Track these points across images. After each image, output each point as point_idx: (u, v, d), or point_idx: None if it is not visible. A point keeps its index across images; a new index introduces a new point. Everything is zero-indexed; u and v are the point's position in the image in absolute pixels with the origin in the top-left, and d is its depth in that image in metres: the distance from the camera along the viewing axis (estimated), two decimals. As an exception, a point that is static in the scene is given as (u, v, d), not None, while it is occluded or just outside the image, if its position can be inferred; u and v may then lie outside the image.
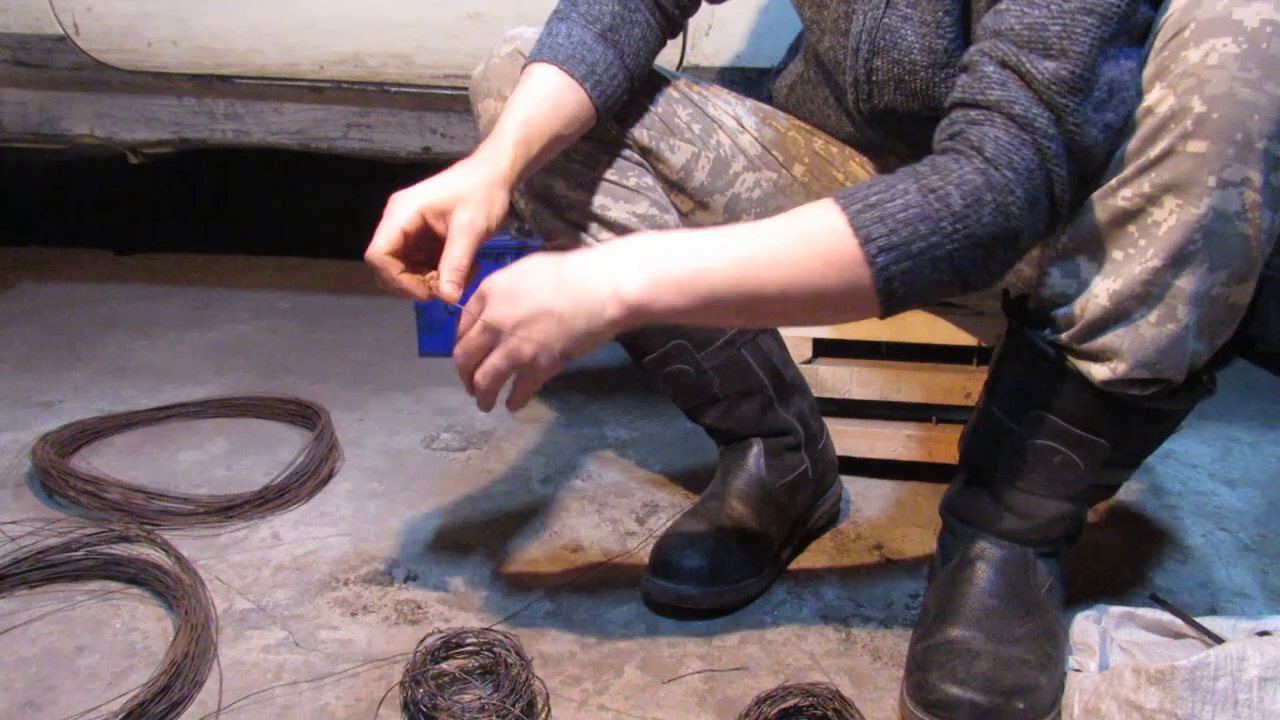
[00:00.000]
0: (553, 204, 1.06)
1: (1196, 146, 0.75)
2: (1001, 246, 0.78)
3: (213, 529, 1.18)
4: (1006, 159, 0.76)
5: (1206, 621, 0.94)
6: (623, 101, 1.03)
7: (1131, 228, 0.81)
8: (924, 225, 0.75)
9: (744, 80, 1.48)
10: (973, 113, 0.78)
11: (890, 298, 0.77)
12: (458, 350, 0.84)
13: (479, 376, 0.83)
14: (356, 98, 1.67)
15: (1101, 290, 0.83)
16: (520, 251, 1.71)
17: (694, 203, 1.10)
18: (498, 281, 0.81)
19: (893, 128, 1.05)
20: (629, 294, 0.77)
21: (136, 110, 1.73)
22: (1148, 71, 0.78)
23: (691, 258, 0.77)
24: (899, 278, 0.76)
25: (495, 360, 0.82)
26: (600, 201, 1.05)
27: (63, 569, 1.07)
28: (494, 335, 0.81)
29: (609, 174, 1.05)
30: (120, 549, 1.10)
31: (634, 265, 0.77)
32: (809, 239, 0.76)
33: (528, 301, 0.79)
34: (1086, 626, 0.94)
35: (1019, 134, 0.76)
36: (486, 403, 0.85)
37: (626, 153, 1.06)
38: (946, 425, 1.29)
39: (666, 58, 1.53)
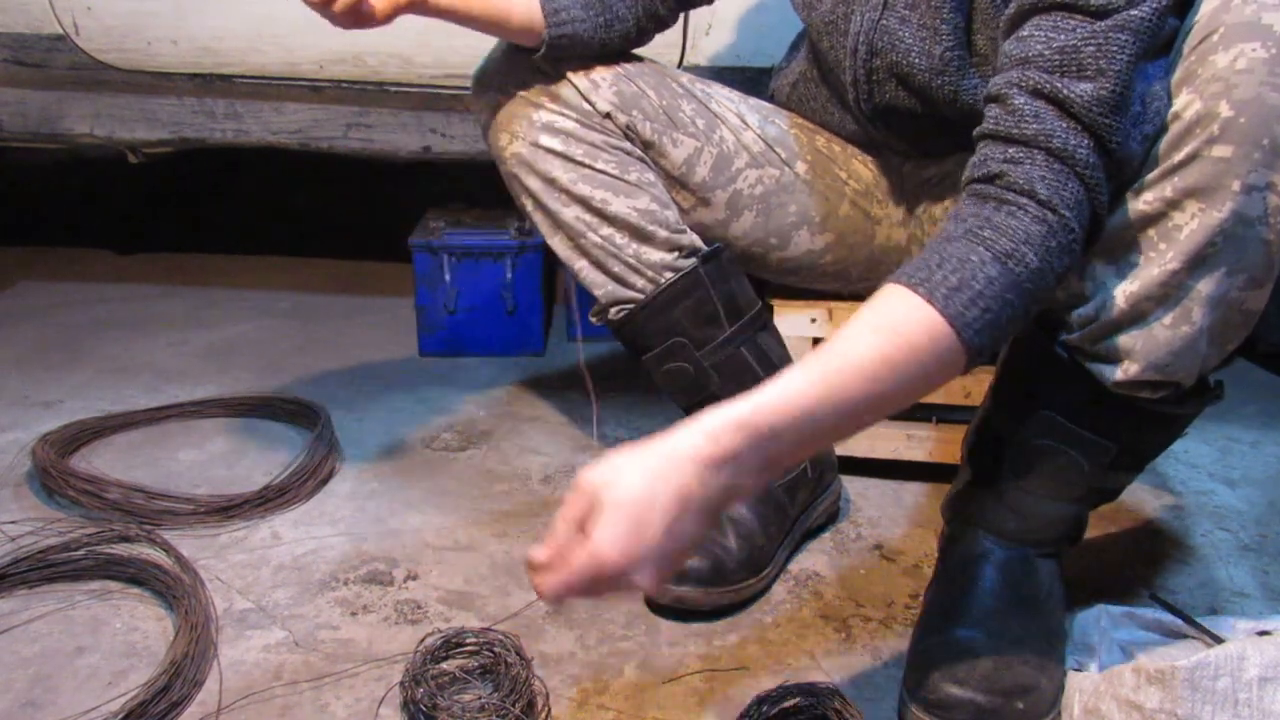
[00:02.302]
0: (553, 199, 1.06)
1: (1222, 151, 0.75)
2: (1063, 279, 0.77)
3: (213, 529, 1.18)
4: (1059, 198, 0.74)
5: (1206, 621, 0.94)
6: (577, 46, 1.03)
7: (1151, 231, 0.80)
8: (1011, 293, 0.72)
9: (744, 80, 1.48)
10: (1010, 150, 0.75)
11: (975, 362, 0.74)
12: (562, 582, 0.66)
13: (570, 590, 0.66)
14: (356, 98, 1.67)
15: (1118, 292, 0.83)
16: (520, 252, 1.71)
17: (695, 199, 1.10)
18: (620, 506, 0.65)
19: (894, 124, 1.05)
20: (754, 489, 0.70)
21: (136, 110, 1.73)
22: (1175, 76, 0.78)
23: (801, 427, 0.68)
24: (988, 345, 0.73)
25: (599, 587, 0.66)
26: (601, 196, 1.05)
27: (63, 569, 1.07)
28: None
29: (611, 168, 1.05)
30: (120, 549, 1.10)
31: (743, 460, 0.68)
32: (910, 347, 0.70)
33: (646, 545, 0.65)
34: (1086, 626, 0.94)
35: (1062, 169, 0.74)
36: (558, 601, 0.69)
37: (628, 147, 1.06)
38: (947, 425, 1.29)
39: (668, 58, 1.54)
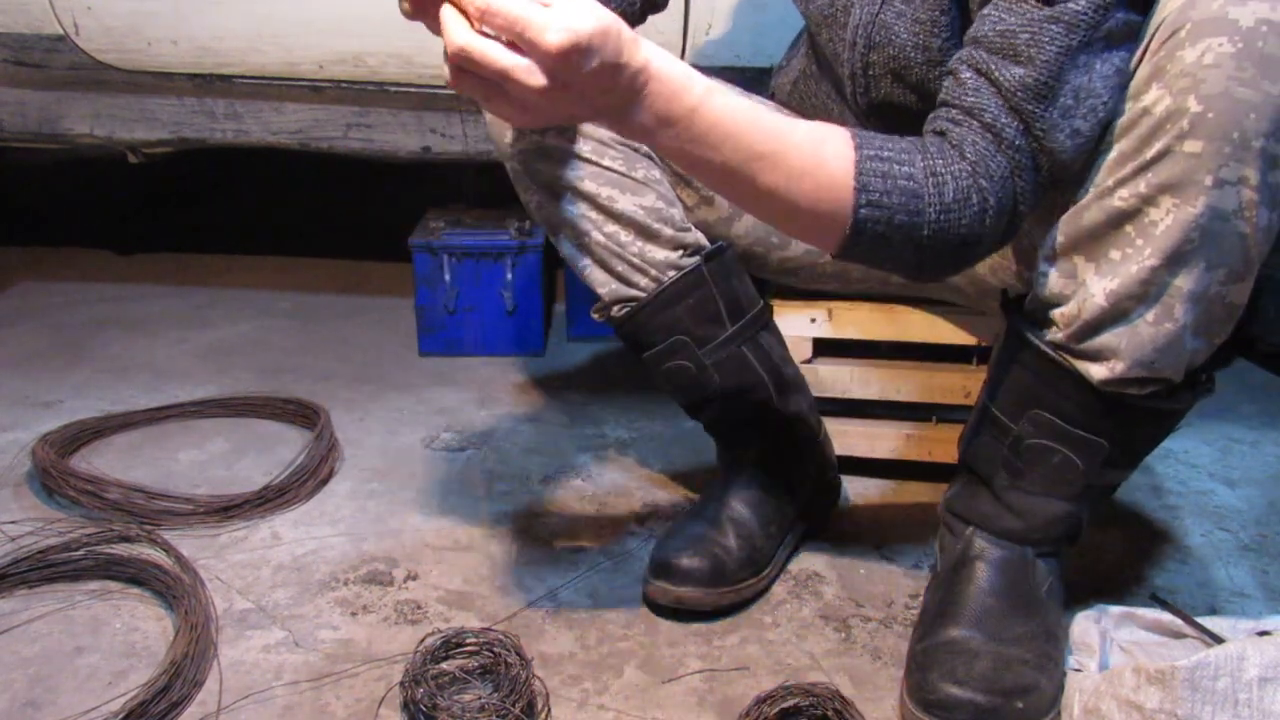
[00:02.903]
0: (558, 195, 1.06)
1: (1193, 146, 0.76)
2: (965, 248, 0.80)
3: (213, 529, 1.18)
4: (984, 166, 0.78)
5: (1206, 621, 0.94)
6: None
7: (1129, 228, 0.81)
8: (915, 202, 0.77)
9: (744, 80, 1.48)
10: (954, 112, 0.81)
11: (849, 247, 0.79)
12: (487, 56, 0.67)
13: (491, 99, 0.71)
14: (356, 98, 1.67)
15: (1099, 290, 0.83)
16: (520, 252, 1.71)
17: (699, 197, 1.10)
18: (596, 33, 0.68)
19: (892, 121, 1.05)
20: (639, 122, 0.74)
21: (136, 110, 1.73)
22: (1143, 73, 0.79)
23: (716, 127, 0.75)
24: (868, 237, 0.78)
25: (523, 92, 0.68)
26: (608, 193, 1.04)
27: (63, 569, 1.07)
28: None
29: (617, 165, 1.04)
30: (120, 549, 1.10)
31: (655, 103, 0.73)
32: (818, 159, 0.77)
33: (600, 81, 0.70)
34: (1086, 626, 0.94)
35: (991, 141, 0.78)
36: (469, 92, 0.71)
37: (635, 143, 1.06)
38: (946, 425, 1.29)
39: (666, 57, 1.54)
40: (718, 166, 0.77)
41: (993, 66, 0.78)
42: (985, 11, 0.81)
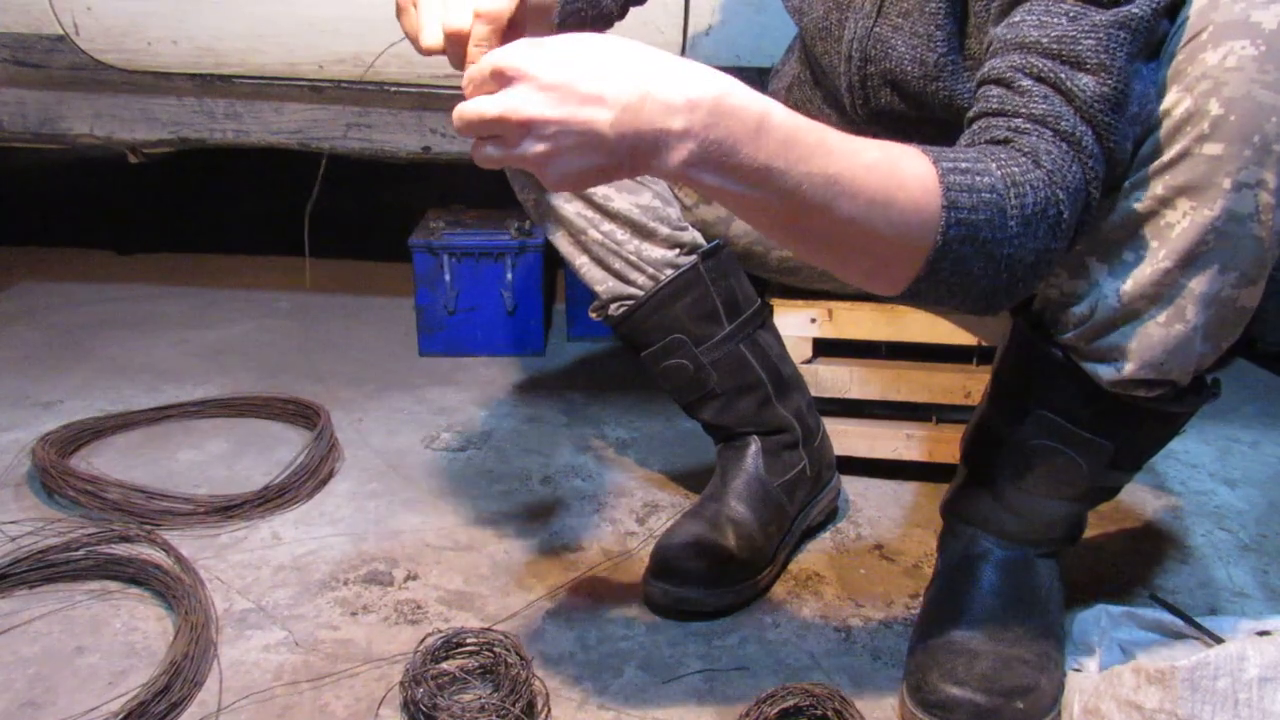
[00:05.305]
0: (555, 195, 1.06)
1: (1213, 149, 0.75)
2: (1038, 266, 0.73)
3: (213, 529, 1.18)
4: (1062, 176, 0.72)
5: (1206, 621, 0.94)
6: (576, 15, 1.01)
7: (1144, 229, 0.80)
8: (998, 215, 0.70)
9: (743, 80, 1.49)
10: (1018, 121, 0.73)
11: (929, 276, 0.71)
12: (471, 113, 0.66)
13: (477, 145, 0.68)
14: (356, 98, 1.67)
15: (1111, 291, 0.83)
16: (520, 252, 1.71)
17: (697, 195, 1.10)
18: (554, 50, 0.65)
19: (890, 127, 1.05)
20: (696, 170, 0.67)
21: (136, 110, 1.73)
22: (1164, 74, 0.77)
23: (782, 146, 0.66)
24: (951, 261, 0.70)
25: (506, 148, 0.66)
26: (604, 191, 1.04)
27: (63, 569, 1.07)
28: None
29: None
30: (120, 549, 1.10)
31: (717, 140, 0.67)
32: (898, 181, 0.68)
33: (585, 93, 0.65)
34: (1086, 626, 0.94)
35: (1068, 150, 0.72)
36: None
37: None
38: (946, 425, 1.29)
39: (666, 57, 1.54)
40: (784, 200, 0.68)
41: (1062, 75, 0.72)
42: (1018, 18, 0.76)
